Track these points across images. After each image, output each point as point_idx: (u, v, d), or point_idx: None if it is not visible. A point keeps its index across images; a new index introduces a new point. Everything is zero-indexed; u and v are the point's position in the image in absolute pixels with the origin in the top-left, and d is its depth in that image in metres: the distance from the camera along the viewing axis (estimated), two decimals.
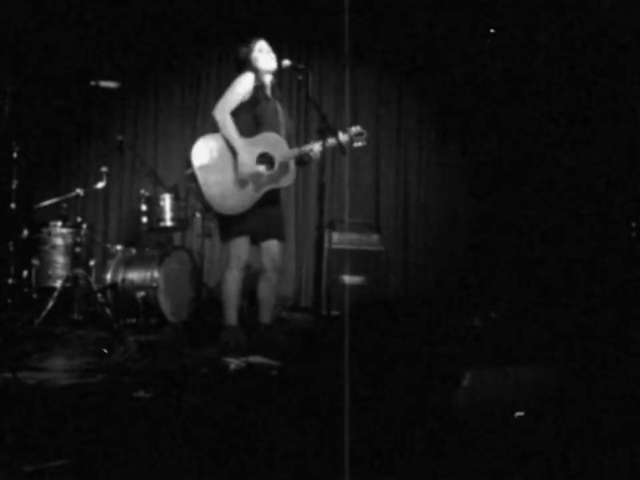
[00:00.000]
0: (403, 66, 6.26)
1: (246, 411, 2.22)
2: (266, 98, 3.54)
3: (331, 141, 3.40)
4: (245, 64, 3.55)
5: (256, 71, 3.53)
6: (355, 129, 3.58)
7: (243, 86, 3.46)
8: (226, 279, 3.53)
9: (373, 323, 2.72)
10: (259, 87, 3.49)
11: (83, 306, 4.39)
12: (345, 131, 3.56)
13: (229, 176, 3.40)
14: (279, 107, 3.66)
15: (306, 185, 6.11)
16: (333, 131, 3.43)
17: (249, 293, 4.21)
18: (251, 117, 3.46)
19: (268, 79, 3.60)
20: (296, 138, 3.94)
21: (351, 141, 3.56)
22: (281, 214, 3.70)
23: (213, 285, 5.15)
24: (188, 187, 4.49)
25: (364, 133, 3.60)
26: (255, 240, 3.54)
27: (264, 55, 3.55)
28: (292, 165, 3.55)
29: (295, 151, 3.51)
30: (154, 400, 2.34)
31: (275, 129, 3.54)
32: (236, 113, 3.45)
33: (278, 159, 3.46)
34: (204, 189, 3.35)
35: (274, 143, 3.48)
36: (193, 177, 3.38)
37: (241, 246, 3.49)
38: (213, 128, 3.48)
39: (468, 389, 2.01)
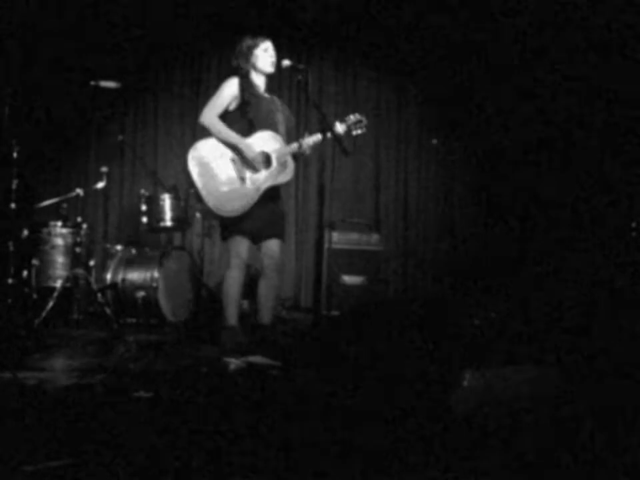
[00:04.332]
0: (403, 65, 6.26)
1: (246, 411, 2.22)
2: (257, 98, 3.50)
3: (330, 138, 3.40)
4: (242, 57, 3.50)
5: (254, 68, 3.53)
6: (353, 117, 3.53)
7: (228, 91, 3.44)
8: (227, 279, 3.52)
9: (372, 323, 2.72)
10: (245, 90, 3.46)
11: (83, 306, 4.40)
12: (342, 121, 3.52)
13: (228, 178, 3.40)
14: (276, 103, 3.64)
15: (306, 185, 6.11)
16: (333, 131, 3.43)
17: (249, 292, 4.21)
18: (243, 122, 3.45)
19: (262, 80, 3.58)
20: (295, 134, 3.93)
21: (349, 130, 3.51)
22: (281, 211, 3.69)
23: (213, 285, 5.15)
24: (189, 188, 4.50)
25: (363, 120, 3.53)
26: (256, 239, 3.54)
27: (266, 56, 3.53)
28: (290, 161, 3.53)
29: (292, 146, 3.49)
30: (154, 400, 2.34)
31: (272, 128, 3.52)
32: (226, 119, 3.44)
33: (275, 156, 3.46)
34: (203, 193, 3.35)
35: (270, 140, 3.47)
36: (192, 184, 3.39)
37: (241, 244, 3.48)
38: (204, 134, 3.48)
39: (468, 388, 2.01)
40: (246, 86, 3.47)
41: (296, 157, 3.58)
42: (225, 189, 3.38)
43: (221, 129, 3.40)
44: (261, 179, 3.44)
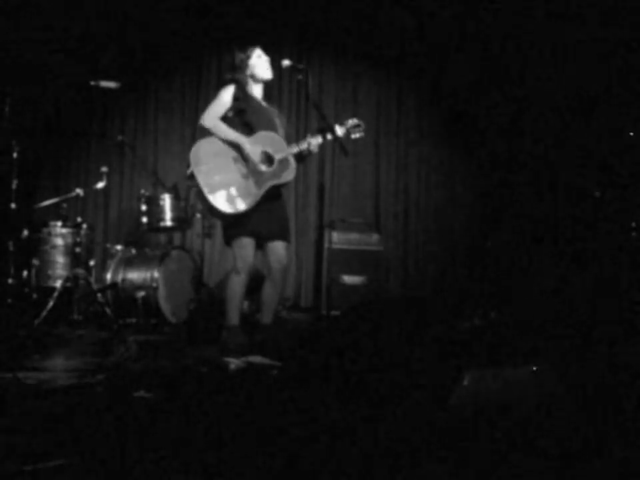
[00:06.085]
0: (403, 66, 6.26)
1: (246, 410, 2.22)
2: (255, 105, 3.53)
3: (330, 139, 3.41)
4: (238, 70, 3.54)
5: (253, 77, 3.55)
6: (351, 121, 3.58)
7: (227, 96, 3.47)
8: (231, 281, 3.51)
9: (372, 323, 2.72)
10: (241, 97, 3.48)
11: (83, 306, 4.39)
12: (341, 124, 3.56)
13: (231, 176, 3.40)
14: (273, 111, 3.66)
15: (306, 185, 6.11)
16: (333, 130, 3.43)
17: (249, 293, 4.21)
18: (241, 126, 3.46)
19: (259, 88, 3.60)
20: (294, 140, 3.94)
21: (348, 133, 3.56)
22: (284, 211, 3.68)
23: (213, 285, 5.15)
24: (189, 188, 4.51)
25: (361, 125, 3.59)
26: (260, 240, 3.53)
27: (261, 62, 3.56)
28: (292, 160, 3.54)
29: (294, 147, 3.51)
30: (154, 400, 2.34)
31: (272, 130, 3.54)
32: (226, 123, 3.46)
33: (277, 155, 3.46)
34: (206, 190, 3.35)
35: (272, 140, 3.48)
36: (194, 182, 3.39)
37: (246, 247, 3.46)
38: (204, 134, 3.48)
39: (468, 389, 2.01)
40: (243, 94, 3.50)
41: (299, 158, 3.58)
42: (228, 186, 3.38)
43: (223, 129, 3.42)
44: (264, 177, 3.43)
